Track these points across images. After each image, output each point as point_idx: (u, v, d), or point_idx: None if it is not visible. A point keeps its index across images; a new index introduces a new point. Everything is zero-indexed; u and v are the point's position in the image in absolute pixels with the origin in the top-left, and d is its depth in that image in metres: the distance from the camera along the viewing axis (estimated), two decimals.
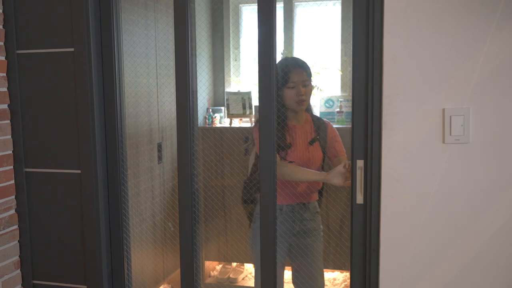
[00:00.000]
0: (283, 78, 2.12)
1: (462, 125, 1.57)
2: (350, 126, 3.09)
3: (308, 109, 2.31)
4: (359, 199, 1.73)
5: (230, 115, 3.35)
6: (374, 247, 1.70)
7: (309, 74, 2.20)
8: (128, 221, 2.11)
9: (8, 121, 2.03)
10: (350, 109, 3.30)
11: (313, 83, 2.23)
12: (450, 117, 1.58)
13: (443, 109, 1.59)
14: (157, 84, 2.20)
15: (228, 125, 3.38)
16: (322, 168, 2.30)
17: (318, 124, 2.29)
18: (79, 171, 1.99)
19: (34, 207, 2.07)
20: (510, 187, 1.58)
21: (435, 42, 1.57)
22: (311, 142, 2.23)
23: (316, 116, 2.35)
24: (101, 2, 1.95)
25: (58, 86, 1.98)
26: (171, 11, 1.95)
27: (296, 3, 3.50)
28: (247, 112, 3.34)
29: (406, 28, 1.58)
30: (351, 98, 3.27)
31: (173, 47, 1.86)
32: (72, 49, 1.94)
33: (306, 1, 3.50)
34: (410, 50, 1.59)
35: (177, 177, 1.97)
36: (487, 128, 1.57)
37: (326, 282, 3.20)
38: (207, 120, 3.39)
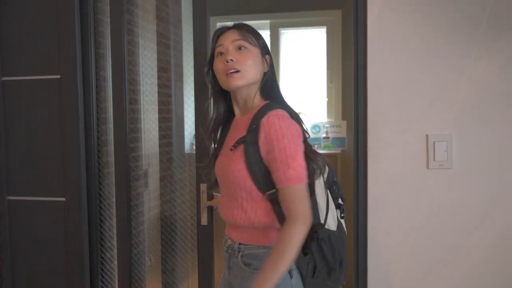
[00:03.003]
0: (212, 48, 1.44)
1: (445, 151, 1.59)
2: (337, 151, 3.14)
3: (267, 92, 1.42)
4: (204, 220, 1.90)
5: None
6: (362, 267, 1.70)
7: (246, 35, 1.40)
8: (113, 251, 2.08)
9: None
10: (336, 135, 3.34)
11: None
12: (434, 142, 1.60)
13: (427, 135, 1.61)
14: (142, 110, 2.20)
15: None
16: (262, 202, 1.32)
17: (258, 117, 1.32)
18: (63, 199, 1.96)
19: (17, 236, 2.02)
20: (494, 210, 1.60)
21: (418, 70, 1.60)
22: (232, 148, 1.36)
23: (268, 105, 1.36)
24: (88, 30, 1.96)
25: (44, 113, 1.97)
26: (156, 38, 1.97)
27: (282, 31, 3.55)
28: None
29: (389, 57, 1.62)
30: (337, 124, 3.32)
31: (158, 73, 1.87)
32: (58, 76, 1.94)
33: (292, 28, 3.56)
34: (393, 77, 1.62)
35: (160, 205, 1.95)
36: (469, 153, 1.60)
37: None
38: (193, 147, 3.37)
